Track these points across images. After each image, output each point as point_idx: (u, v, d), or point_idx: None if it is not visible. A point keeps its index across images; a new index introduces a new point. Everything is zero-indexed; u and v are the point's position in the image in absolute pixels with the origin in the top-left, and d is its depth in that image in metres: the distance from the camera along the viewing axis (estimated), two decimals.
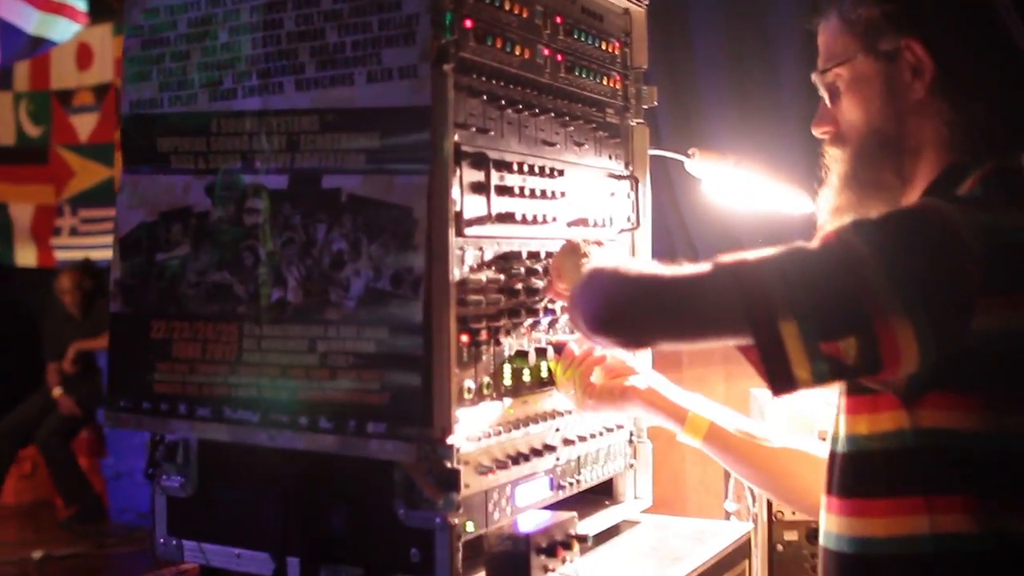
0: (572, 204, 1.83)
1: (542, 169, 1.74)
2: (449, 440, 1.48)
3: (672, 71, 3.42)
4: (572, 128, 1.85)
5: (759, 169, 2.11)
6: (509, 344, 1.67)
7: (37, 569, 5.57)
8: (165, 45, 1.73)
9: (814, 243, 1.34)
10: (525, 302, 1.69)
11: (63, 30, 5.23)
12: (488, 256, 1.62)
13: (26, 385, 6.88)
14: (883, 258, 1.27)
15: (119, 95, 4.27)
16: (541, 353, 1.73)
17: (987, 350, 1.30)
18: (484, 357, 1.61)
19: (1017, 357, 1.31)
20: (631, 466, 2.03)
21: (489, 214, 1.59)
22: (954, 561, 1.35)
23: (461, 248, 1.55)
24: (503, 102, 1.65)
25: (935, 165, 1.49)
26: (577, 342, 1.78)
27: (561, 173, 1.79)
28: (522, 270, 1.69)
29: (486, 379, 1.61)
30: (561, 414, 1.79)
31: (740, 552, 1.97)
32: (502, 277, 1.64)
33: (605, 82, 1.96)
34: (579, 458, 1.86)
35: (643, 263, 1.53)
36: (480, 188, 1.59)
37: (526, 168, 1.69)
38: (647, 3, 2.09)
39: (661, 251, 2.70)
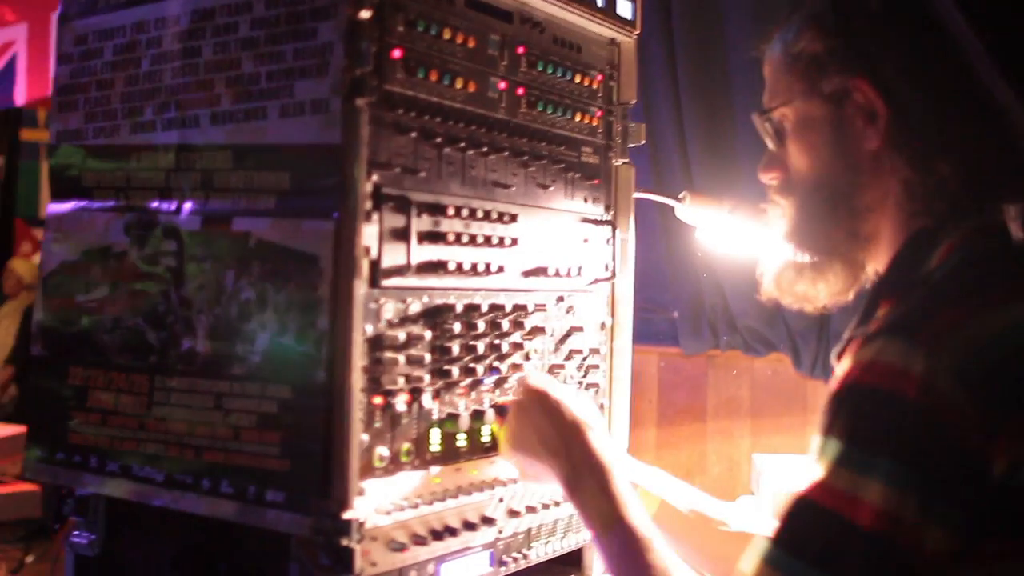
0: (528, 252, 1.67)
1: (487, 214, 1.58)
2: (347, 515, 1.33)
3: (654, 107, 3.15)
4: (533, 168, 1.70)
5: (756, 216, 1.92)
6: (438, 407, 1.52)
7: None
8: (91, 74, 1.63)
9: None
10: (459, 360, 1.54)
11: None
12: (414, 310, 1.47)
13: None
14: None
15: None
16: (478, 416, 1.57)
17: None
18: (404, 421, 1.46)
19: None
20: None
21: (408, 263, 1.44)
22: None
23: (377, 301, 1.41)
24: (440, 140, 1.51)
25: (897, 227, 1.30)
26: None
27: (514, 219, 1.63)
28: (456, 326, 1.54)
29: (406, 445, 1.46)
30: (504, 483, 1.62)
31: None
32: (428, 333, 1.49)
33: (580, 119, 1.80)
34: (529, 530, 1.70)
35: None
36: (403, 235, 1.44)
37: (465, 212, 1.54)
38: (638, 33, 1.93)
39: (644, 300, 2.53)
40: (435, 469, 1.51)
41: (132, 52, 1.58)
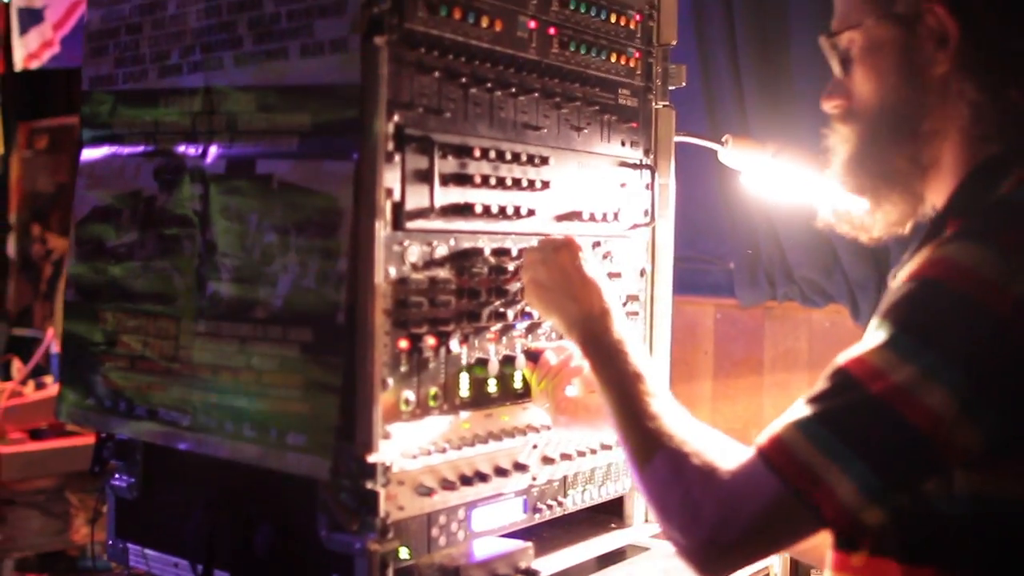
0: (560, 196, 1.63)
1: (516, 156, 1.55)
2: (372, 458, 1.32)
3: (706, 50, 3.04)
4: (566, 110, 1.65)
5: (801, 160, 1.85)
6: (467, 351, 1.50)
7: None
8: (121, 19, 1.62)
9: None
10: (488, 304, 1.51)
11: None
12: (440, 253, 1.45)
13: None
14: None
15: None
16: (509, 362, 1.55)
17: None
18: (432, 365, 1.44)
19: None
20: None
21: (432, 206, 1.41)
22: None
23: (401, 244, 1.39)
24: (465, 80, 1.47)
25: (961, 154, 1.27)
26: (555, 350, 1.59)
27: (545, 161, 1.60)
28: (485, 269, 1.51)
29: (433, 390, 1.44)
30: (537, 430, 1.60)
31: None
32: (456, 277, 1.46)
33: (616, 59, 1.75)
34: (565, 478, 1.67)
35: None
36: (427, 177, 1.42)
37: (493, 154, 1.50)
38: None
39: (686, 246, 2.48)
40: (464, 414, 1.49)
41: None
